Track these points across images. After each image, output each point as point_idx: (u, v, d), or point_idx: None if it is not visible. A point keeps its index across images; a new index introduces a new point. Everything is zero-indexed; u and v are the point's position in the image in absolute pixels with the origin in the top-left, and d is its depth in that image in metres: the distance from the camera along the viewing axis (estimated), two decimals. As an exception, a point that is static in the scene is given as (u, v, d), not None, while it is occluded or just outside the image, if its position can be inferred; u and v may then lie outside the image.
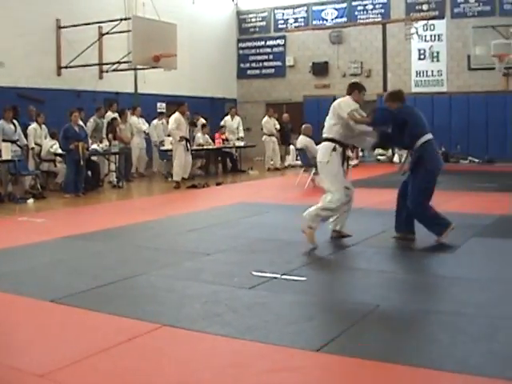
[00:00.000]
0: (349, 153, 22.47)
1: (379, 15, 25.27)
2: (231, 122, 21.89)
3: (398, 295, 6.08)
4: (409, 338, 4.87)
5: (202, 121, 20.32)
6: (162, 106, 22.91)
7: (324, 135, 8.58)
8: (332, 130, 8.41)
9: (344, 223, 8.77)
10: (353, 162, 22.29)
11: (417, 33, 23.28)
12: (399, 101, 8.47)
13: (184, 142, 16.33)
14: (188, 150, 16.51)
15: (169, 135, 17.95)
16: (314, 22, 26.49)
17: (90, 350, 4.58)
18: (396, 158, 22.70)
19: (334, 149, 8.36)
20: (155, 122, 20.07)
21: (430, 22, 23.78)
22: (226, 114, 22.19)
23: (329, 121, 8.48)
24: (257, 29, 27.93)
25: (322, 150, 8.50)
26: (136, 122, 18.99)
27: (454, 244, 8.19)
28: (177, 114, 16.32)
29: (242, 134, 22.50)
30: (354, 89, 8.57)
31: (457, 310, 5.45)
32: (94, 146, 15.76)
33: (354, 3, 25.75)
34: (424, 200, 8.09)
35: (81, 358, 4.43)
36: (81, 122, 15.43)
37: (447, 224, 8.13)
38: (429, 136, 8.14)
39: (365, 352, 4.47)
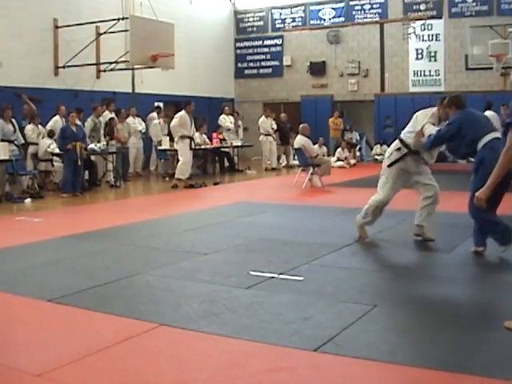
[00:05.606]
0: (345, 152, 22.66)
1: (377, 15, 25.28)
2: (227, 120, 21.97)
3: (395, 295, 6.09)
4: (406, 338, 4.88)
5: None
6: (156, 106, 22.90)
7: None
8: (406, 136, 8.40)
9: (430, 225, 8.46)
10: (351, 162, 22.39)
11: (414, 32, 23.28)
12: (456, 107, 7.85)
13: (188, 141, 16.31)
14: (191, 149, 16.49)
15: (168, 134, 17.95)
16: (312, 22, 26.49)
17: (88, 349, 4.58)
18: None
19: (399, 149, 8.38)
20: (155, 121, 20.10)
21: (428, 21, 23.79)
22: (221, 113, 22.18)
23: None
24: (254, 28, 27.92)
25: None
26: (132, 122, 19.00)
27: (452, 244, 8.22)
28: (182, 112, 16.29)
29: (241, 135, 22.65)
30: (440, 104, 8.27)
31: (454, 311, 5.47)
32: (92, 146, 15.76)
33: (351, 3, 25.76)
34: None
35: (78, 357, 4.43)
36: (79, 122, 15.43)
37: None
38: (488, 138, 7.37)
39: (362, 352, 4.48)
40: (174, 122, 16.29)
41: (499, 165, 5.39)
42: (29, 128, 15.69)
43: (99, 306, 5.65)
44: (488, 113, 14.42)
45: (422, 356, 4.44)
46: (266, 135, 21.69)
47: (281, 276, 6.65)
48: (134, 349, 4.66)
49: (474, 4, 23.52)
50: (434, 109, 8.33)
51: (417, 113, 8.47)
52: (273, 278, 6.59)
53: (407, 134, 8.35)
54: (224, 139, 20.81)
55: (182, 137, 16.16)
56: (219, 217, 11.06)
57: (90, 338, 4.88)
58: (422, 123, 8.11)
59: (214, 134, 20.21)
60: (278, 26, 27.33)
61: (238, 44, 28.27)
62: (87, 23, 19.05)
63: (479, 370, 4.13)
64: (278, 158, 22.45)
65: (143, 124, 19.82)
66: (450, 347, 4.59)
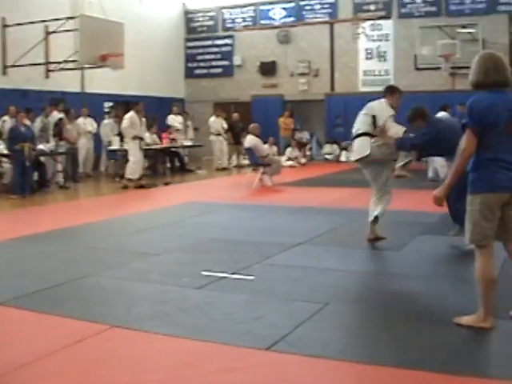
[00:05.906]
0: (296, 151, 22.74)
1: (327, 15, 25.41)
2: (176, 120, 21.91)
3: (347, 293, 6.12)
4: (358, 336, 4.93)
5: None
6: (108, 106, 22.74)
7: (359, 131, 8.27)
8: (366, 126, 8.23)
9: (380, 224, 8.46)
10: (301, 161, 22.49)
11: (364, 32, 23.48)
12: (422, 119, 7.97)
13: (138, 141, 16.26)
14: (141, 149, 16.45)
15: (118, 134, 17.83)
16: (262, 22, 26.52)
17: (38, 353, 4.53)
18: (343, 157, 22.94)
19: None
20: (105, 121, 19.97)
21: (378, 21, 24.04)
22: (169, 113, 22.10)
23: (362, 118, 8.28)
24: (204, 28, 27.85)
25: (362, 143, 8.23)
26: (82, 122, 18.84)
27: (402, 242, 8.31)
28: (131, 113, 16.24)
29: (190, 135, 22.60)
30: (394, 92, 8.29)
31: (404, 308, 5.53)
32: (41, 147, 15.58)
33: (301, 3, 25.84)
34: None
35: (28, 361, 4.38)
36: (28, 122, 15.24)
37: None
38: None
39: (314, 350, 4.51)
40: (125, 123, 16.23)
41: (456, 165, 5.44)
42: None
43: (50, 309, 5.59)
44: (442, 114, 14.59)
45: (373, 353, 4.49)
46: (216, 135, 21.71)
47: (232, 276, 6.66)
48: (87, 351, 4.63)
49: (423, 5, 23.79)
50: (384, 100, 8.28)
51: (370, 104, 8.31)
52: (224, 277, 6.60)
53: (367, 126, 8.22)
54: (174, 139, 20.75)
55: (133, 137, 16.11)
56: (170, 217, 11.03)
57: (40, 341, 4.83)
58: (383, 118, 8.05)
59: (164, 134, 20.16)
60: (228, 25, 27.31)
61: (188, 44, 28.17)
62: (36, 22, 18.82)
63: (431, 365, 4.18)
64: (230, 157, 22.45)
65: (94, 124, 19.66)
66: (401, 344, 4.64)
